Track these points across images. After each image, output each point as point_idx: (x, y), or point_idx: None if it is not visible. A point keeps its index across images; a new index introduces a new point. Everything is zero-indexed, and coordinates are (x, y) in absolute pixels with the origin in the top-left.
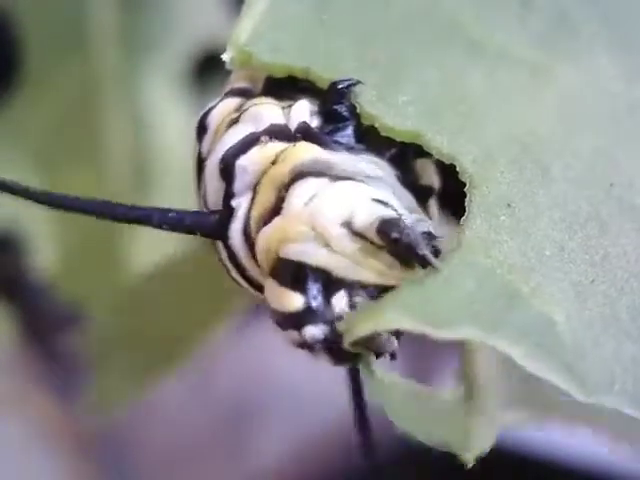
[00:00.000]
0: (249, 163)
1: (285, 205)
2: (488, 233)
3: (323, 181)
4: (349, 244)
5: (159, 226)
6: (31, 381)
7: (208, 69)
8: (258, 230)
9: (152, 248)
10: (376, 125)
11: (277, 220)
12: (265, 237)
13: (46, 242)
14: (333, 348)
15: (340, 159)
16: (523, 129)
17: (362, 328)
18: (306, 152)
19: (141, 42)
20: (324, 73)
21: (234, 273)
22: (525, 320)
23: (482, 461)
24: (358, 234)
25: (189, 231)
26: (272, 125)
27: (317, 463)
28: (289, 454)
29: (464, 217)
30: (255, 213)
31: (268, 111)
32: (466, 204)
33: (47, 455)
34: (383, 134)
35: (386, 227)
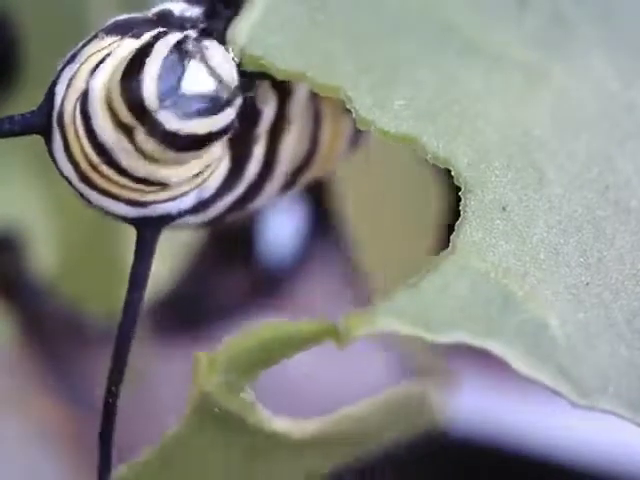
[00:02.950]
0: (80, 53)
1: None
2: (483, 237)
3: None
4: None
5: None
6: (31, 381)
7: None
8: (73, 110)
9: None
10: (372, 130)
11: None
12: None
13: (46, 242)
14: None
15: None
16: (519, 131)
17: (357, 332)
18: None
19: None
20: (320, 78)
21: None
22: (519, 324)
23: (482, 461)
24: None
25: (19, 132)
26: (115, 22)
27: None
28: None
29: (458, 221)
30: (71, 94)
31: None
32: (461, 208)
33: (47, 455)
34: (379, 138)
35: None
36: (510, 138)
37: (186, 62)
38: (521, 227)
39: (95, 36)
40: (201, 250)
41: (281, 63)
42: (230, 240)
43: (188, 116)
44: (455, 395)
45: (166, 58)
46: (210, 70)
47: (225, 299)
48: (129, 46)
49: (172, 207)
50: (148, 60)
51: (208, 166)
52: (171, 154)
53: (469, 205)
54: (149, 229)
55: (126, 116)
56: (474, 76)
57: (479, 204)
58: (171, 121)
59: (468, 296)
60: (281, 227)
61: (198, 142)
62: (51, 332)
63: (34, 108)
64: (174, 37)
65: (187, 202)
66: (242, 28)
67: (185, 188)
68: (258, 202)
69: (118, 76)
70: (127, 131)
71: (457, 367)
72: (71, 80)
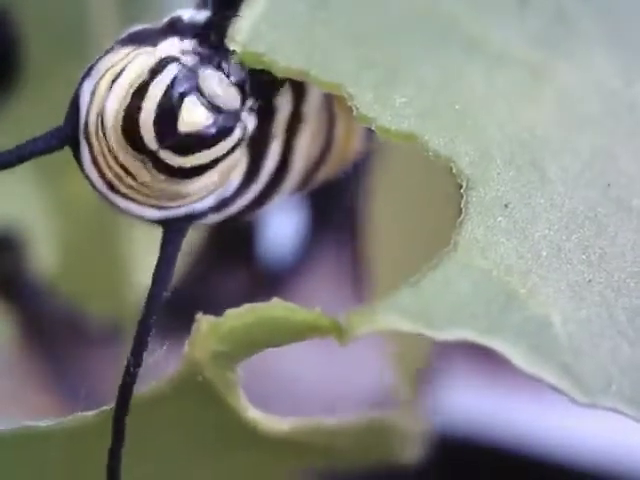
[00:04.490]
0: (97, 66)
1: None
2: (485, 234)
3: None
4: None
5: (18, 162)
6: (31, 381)
7: None
8: (99, 124)
9: (153, 248)
10: (373, 127)
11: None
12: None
13: (46, 242)
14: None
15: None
16: (521, 129)
17: (359, 330)
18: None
19: None
20: (322, 75)
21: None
22: (522, 321)
23: (482, 461)
24: None
25: (47, 151)
26: (129, 34)
27: None
28: None
29: (460, 218)
30: (94, 106)
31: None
32: (463, 206)
33: None
34: (380, 136)
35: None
36: (512, 136)
37: (181, 101)
38: (523, 224)
39: (111, 49)
40: (201, 250)
41: (282, 60)
42: (230, 240)
43: (189, 152)
44: (455, 395)
45: (161, 100)
46: (207, 102)
47: (225, 299)
48: (142, 63)
49: (196, 207)
50: (144, 104)
51: (227, 169)
52: (182, 180)
53: (471, 203)
54: (174, 229)
55: (132, 152)
56: (476, 74)
57: (481, 202)
58: (173, 158)
59: (470, 294)
60: (281, 227)
61: (206, 168)
62: (51, 332)
63: (59, 124)
64: (169, 74)
65: (210, 201)
66: (243, 25)
67: (206, 192)
68: (275, 199)
69: (120, 117)
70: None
71: (457, 367)
72: (93, 94)
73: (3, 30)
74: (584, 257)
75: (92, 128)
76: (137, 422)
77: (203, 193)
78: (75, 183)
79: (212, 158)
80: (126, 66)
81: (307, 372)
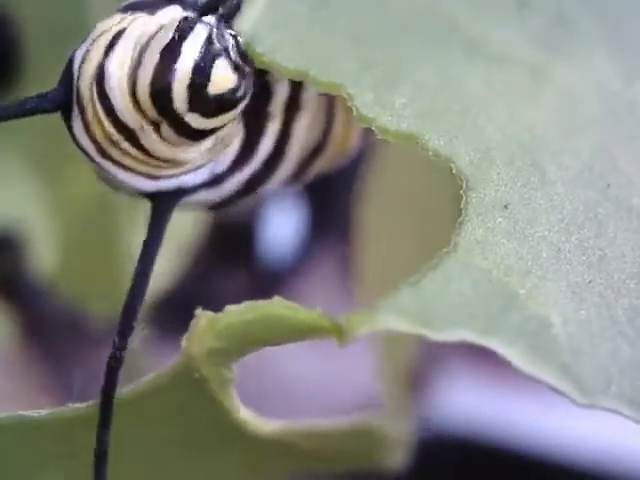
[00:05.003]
0: (92, 33)
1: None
2: (484, 235)
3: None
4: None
5: (5, 118)
6: (30, 381)
7: None
8: (90, 82)
9: None
10: (373, 127)
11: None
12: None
13: (46, 242)
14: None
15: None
16: (521, 130)
17: (359, 330)
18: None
19: None
20: (322, 76)
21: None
22: (521, 322)
23: (482, 461)
24: None
25: (37, 111)
26: (127, 3)
27: None
28: None
29: (460, 219)
30: (86, 67)
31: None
32: (462, 206)
33: None
34: (380, 136)
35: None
36: (512, 137)
37: (213, 63)
38: (523, 225)
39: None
40: (201, 250)
41: (283, 60)
42: (230, 240)
43: (214, 115)
44: (455, 395)
45: (196, 62)
46: (233, 64)
47: (225, 299)
48: (142, 27)
49: (187, 180)
50: (178, 66)
51: (222, 139)
52: (193, 142)
53: (470, 203)
54: (164, 202)
55: (152, 112)
56: (476, 75)
57: (481, 202)
58: (198, 121)
59: (470, 294)
60: (281, 227)
61: (219, 129)
62: (51, 332)
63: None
64: (200, 34)
65: (201, 176)
66: (244, 25)
67: (200, 162)
68: (270, 185)
69: (148, 76)
70: (150, 119)
71: (457, 367)
72: (85, 56)
73: (3, 30)
74: (584, 258)
75: (84, 92)
76: (131, 414)
77: (197, 162)
78: (75, 183)
79: (229, 120)
80: (124, 29)
81: (303, 372)
